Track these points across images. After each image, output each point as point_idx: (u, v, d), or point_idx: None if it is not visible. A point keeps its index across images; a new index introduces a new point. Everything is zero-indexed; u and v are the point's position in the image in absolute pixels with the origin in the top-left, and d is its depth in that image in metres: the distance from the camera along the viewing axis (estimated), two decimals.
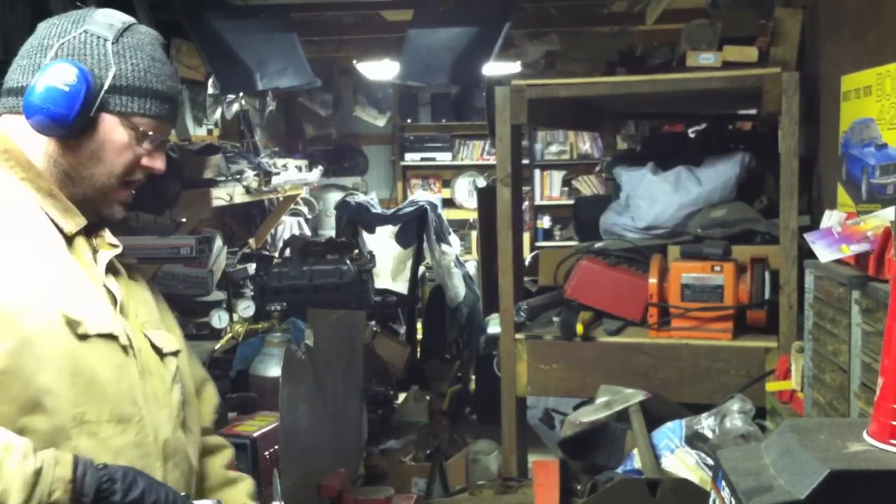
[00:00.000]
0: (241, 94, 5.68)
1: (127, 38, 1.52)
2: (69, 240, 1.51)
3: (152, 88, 1.52)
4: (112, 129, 1.50)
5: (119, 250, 1.59)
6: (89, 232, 1.56)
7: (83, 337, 1.41)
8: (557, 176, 8.55)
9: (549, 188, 8.56)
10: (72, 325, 1.41)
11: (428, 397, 4.98)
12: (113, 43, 1.50)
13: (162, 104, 1.54)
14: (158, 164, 1.55)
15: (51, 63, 1.46)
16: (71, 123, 1.45)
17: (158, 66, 1.54)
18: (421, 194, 7.71)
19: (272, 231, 6.55)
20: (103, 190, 1.52)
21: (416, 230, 6.01)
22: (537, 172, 8.48)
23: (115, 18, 1.54)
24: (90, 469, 1.31)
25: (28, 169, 1.49)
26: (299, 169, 6.42)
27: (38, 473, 1.25)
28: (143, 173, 1.56)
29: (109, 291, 1.53)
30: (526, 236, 6.52)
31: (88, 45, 1.49)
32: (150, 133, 1.53)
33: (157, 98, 1.53)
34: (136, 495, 1.33)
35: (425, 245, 6.03)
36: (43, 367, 1.35)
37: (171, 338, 1.65)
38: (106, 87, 1.48)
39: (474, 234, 7.85)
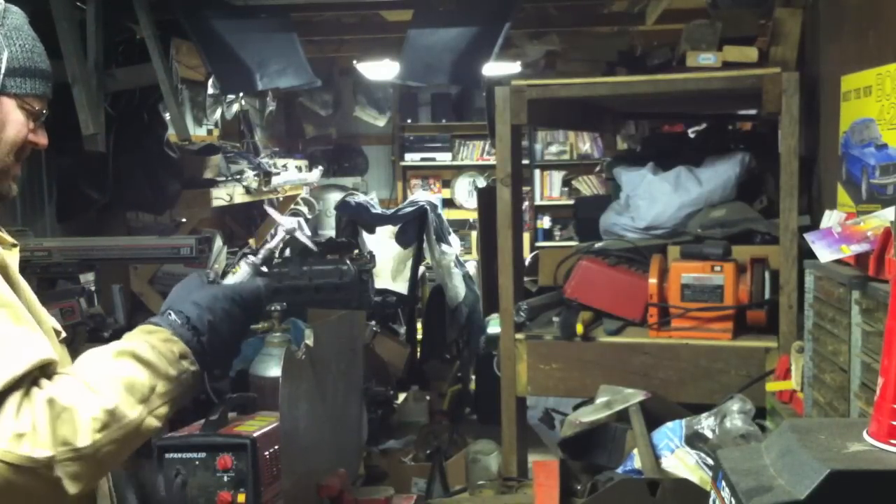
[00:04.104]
0: (241, 94, 5.67)
1: (8, 19, 1.50)
2: None
3: (39, 68, 1.52)
4: (10, 112, 1.50)
5: (17, 248, 1.57)
6: None
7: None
8: (557, 176, 8.55)
9: (549, 188, 8.56)
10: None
11: (428, 397, 4.99)
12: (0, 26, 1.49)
13: (46, 82, 1.54)
14: (42, 139, 1.56)
15: None
16: None
17: (39, 45, 1.54)
18: (421, 194, 7.70)
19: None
20: (4, 169, 1.53)
21: (416, 230, 6.00)
22: (537, 172, 8.47)
23: None
24: (174, 326, 1.48)
25: None
26: (299, 169, 6.42)
27: (161, 355, 1.43)
28: (29, 149, 1.56)
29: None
30: (526, 236, 6.52)
31: None
32: (44, 112, 1.54)
33: (43, 77, 1.53)
34: (210, 317, 1.51)
35: (425, 245, 6.02)
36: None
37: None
38: (3, 70, 1.47)
39: (474, 234, 7.84)
